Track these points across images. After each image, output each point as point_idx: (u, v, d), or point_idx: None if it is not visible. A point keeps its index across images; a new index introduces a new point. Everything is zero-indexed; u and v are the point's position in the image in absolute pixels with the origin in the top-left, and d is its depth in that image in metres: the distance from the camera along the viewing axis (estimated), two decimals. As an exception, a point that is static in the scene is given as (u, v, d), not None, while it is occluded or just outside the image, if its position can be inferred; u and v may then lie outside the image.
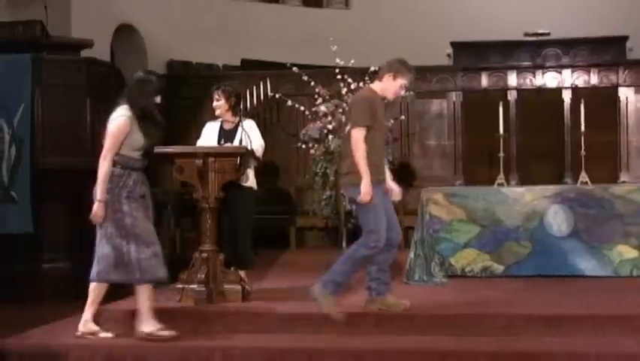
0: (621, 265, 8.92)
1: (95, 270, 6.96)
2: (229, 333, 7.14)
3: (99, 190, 6.84)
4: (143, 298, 6.99)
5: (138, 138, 6.98)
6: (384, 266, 7.28)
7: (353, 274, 7.23)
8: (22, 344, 7.02)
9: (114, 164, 6.92)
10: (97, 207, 6.83)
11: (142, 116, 7.01)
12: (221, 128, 8.30)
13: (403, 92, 7.36)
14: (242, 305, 7.65)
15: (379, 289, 7.30)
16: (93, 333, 7.07)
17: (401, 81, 7.26)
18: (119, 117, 6.96)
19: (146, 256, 6.93)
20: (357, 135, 7.02)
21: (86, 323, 7.08)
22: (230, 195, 7.98)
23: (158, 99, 7.17)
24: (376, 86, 7.36)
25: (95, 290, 7.02)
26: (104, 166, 6.86)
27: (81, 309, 7.27)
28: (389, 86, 7.27)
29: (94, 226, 6.96)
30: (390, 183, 7.34)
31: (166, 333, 6.98)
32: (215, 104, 8.26)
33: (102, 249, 6.95)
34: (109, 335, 7.11)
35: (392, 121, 10.79)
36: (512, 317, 7.15)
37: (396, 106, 11.91)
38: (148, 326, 6.98)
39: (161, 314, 7.31)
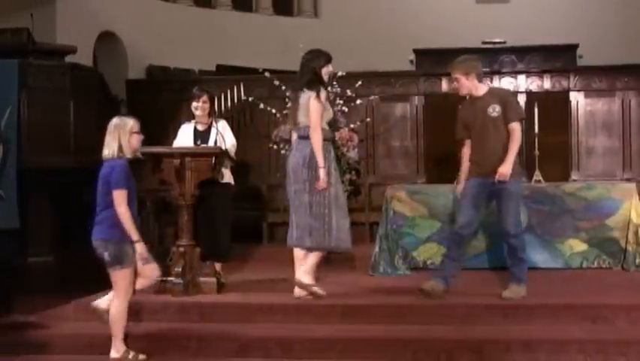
0: (572, 258, 8.95)
1: (294, 235, 7.52)
2: (205, 323, 7.12)
3: (320, 158, 7.31)
4: (315, 258, 7.52)
5: (329, 112, 7.60)
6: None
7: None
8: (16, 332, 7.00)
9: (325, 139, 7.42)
10: (323, 174, 7.32)
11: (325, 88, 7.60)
12: (195, 129, 8.27)
13: (454, 84, 7.68)
14: (217, 296, 7.62)
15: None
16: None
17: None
18: (313, 94, 7.43)
19: (345, 227, 7.46)
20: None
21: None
22: (209, 191, 7.96)
23: (330, 68, 7.73)
24: None
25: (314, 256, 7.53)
26: (316, 136, 7.33)
27: (66, 300, 7.26)
28: None
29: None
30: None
31: (320, 292, 7.48)
32: (201, 105, 8.22)
33: (303, 217, 7.42)
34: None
35: (358, 123, 10.76)
36: (471, 306, 7.18)
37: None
38: (308, 278, 7.47)
39: (141, 305, 7.28)
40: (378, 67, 14.15)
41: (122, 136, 6.62)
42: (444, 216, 9.05)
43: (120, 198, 6.46)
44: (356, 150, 10.42)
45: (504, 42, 14.84)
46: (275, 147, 10.73)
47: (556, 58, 14.21)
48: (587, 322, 6.84)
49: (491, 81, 13.09)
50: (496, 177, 7.22)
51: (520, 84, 13.14)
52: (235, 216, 8.61)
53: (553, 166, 11.31)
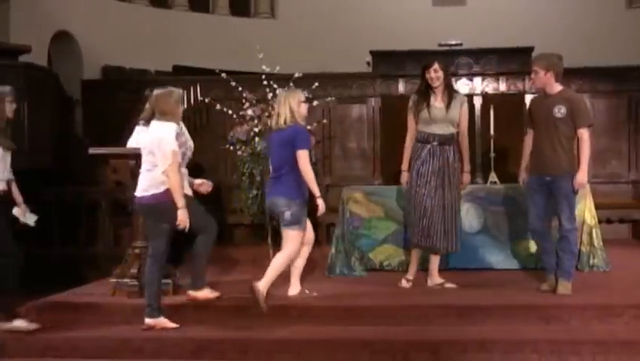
0: (527, 259, 9.03)
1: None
2: (161, 325, 7.07)
3: (405, 161, 8.05)
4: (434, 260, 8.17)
5: (423, 111, 7.93)
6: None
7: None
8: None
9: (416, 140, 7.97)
10: (404, 177, 8.05)
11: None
12: (150, 130, 8.22)
13: (532, 75, 7.84)
14: (173, 298, 7.59)
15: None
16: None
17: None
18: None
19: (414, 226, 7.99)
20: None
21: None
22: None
23: (431, 73, 7.97)
24: None
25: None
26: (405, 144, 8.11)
27: (20, 302, 7.21)
28: None
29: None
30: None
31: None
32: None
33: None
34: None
35: (315, 124, 10.78)
36: (427, 307, 7.22)
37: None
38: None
39: (95, 308, 7.24)
40: (335, 68, 14.15)
41: (292, 105, 7.38)
42: (400, 217, 9.08)
43: (305, 158, 7.25)
44: (312, 151, 10.42)
45: (460, 44, 14.86)
46: (231, 148, 10.71)
47: (512, 60, 14.24)
48: (542, 322, 6.92)
49: (447, 83, 13.16)
50: (575, 186, 7.52)
51: (476, 86, 13.25)
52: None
53: (509, 168, 11.39)
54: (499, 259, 9.04)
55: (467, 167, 8.08)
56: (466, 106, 8.12)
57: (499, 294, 7.67)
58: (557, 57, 7.80)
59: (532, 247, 8.94)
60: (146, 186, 7.01)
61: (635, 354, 6.29)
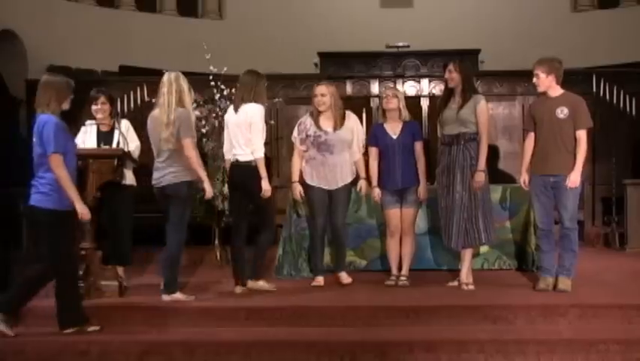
0: (473, 260, 9.07)
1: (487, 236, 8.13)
2: (106, 327, 7.01)
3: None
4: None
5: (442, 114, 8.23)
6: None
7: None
8: None
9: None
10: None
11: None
12: (98, 130, 8.18)
13: (534, 80, 7.95)
14: (118, 300, 7.55)
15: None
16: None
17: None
18: None
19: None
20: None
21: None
22: (111, 194, 7.86)
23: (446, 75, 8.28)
24: None
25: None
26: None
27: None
28: None
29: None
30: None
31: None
32: (99, 107, 8.16)
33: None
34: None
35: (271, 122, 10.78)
36: (374, 308, 7.25)
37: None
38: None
39: (41, 310, 7.16)
40: (283, 69, 14.16)
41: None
42: (348, 218, 9.08)
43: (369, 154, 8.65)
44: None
45: (407, 46, 14.96)
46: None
47: (459, 62, 14.41)
48: (488, 322, 6.98)
49: (394, 85, 13.22)
50: (568, 184, 7.69)
51: (424, 88, 13.34)
52: (137, 218, 8.54)
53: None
54: (446, 259, 9.09)
55: (480, 166, 7.97)
56: (481, 105, 8.07)
57: (446, 294, 7.72)
58: (558, 61, 8.01)
59: (480, 248, 9.00)
60: None
61: (578, 353, 6.36)
